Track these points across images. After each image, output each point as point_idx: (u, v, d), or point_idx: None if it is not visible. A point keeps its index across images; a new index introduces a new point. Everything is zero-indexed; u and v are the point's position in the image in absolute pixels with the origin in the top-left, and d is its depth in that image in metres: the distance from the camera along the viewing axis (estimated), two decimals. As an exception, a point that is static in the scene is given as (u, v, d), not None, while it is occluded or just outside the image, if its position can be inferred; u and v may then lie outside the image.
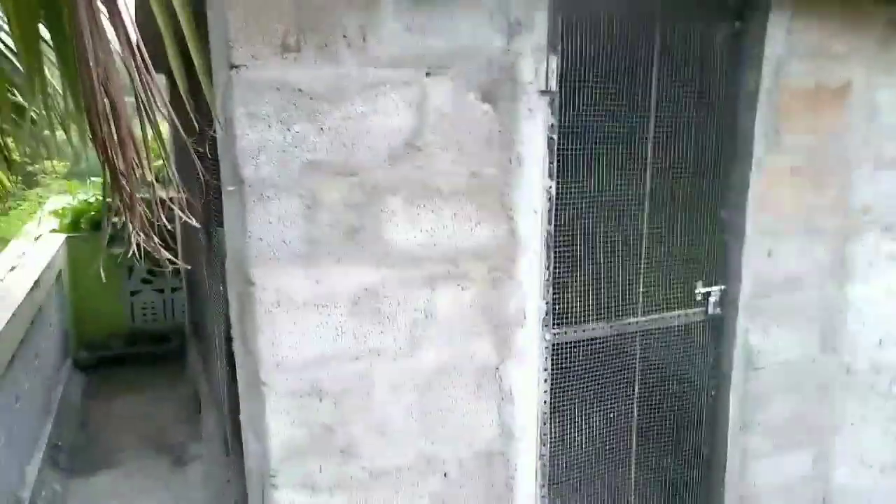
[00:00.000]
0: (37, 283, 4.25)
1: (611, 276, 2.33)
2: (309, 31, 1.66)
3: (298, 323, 1.79)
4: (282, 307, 1.76)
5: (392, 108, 1.79)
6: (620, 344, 2.41)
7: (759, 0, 2.30)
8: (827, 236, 2.68)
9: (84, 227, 6.13)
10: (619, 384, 2.45)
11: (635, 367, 2.46)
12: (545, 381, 2.23)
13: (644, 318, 2.42)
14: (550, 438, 2.30)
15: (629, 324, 2.39)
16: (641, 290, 2.41)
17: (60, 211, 6.56)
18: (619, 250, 2.35)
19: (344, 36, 1.70)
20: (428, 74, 1.82)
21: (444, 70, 1.83)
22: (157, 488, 3.86)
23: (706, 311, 2.52)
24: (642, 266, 2.39)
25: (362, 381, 1.91)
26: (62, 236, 5.85)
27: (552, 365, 2.25)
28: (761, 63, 2.33)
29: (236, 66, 1.61)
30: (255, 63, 1.63)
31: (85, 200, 6.58)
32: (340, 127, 1.74)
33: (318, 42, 1.67)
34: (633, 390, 2.48)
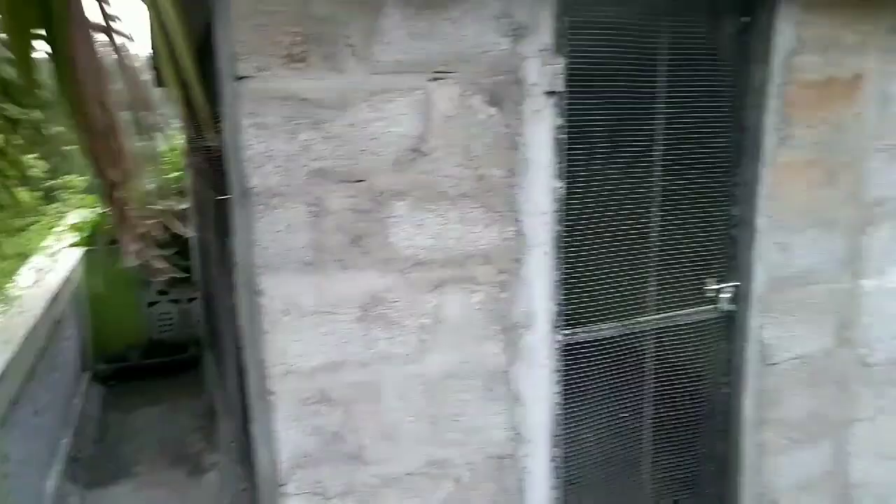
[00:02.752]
0: (55, 297, 4.31)
1: (622, 276, 2.32)
2: (314, 42, 1.67)
3: (306, 331, 1.80)
4: (289, 315, 1.78)
5: (397, 115, 1.79)
6: (632, 343, 2.40)
7: (768, -7, 2.28)
8: (841, 229, 2.65)
9: (101, 241, 6.21)
10: (632, 384, 2.44)
11: (648, 367, 2.45)
12: (556, 382, 2.23)
13: (656, 317, 2.41)
14: (563, 440, 2.30)
15: (641, 323, 2.38)
16: (653, 289, 2.39)
17: (78, 225, 6.64)
18: (629, 250, 2.33)
19: (349, 45, 1.70)
20: (433, 79, 1.82)
21: (450, 74, 1.83)
22: (174, 499, 3.89)
23: (719, 308, 2.51)
24: (653, 265, 2.38)
25: (371, 388, 1.92)
26: (80, 250, 5.92)
27: (563, 366, 2.24)
28: (770, 57, 2.30)
29: (243, 78, 1.62)
30: (261, 74, 1.64)
31: (102, 214, 6.65)
32: (346, 134, 1.75)
33: (324, 52, 1.68)
34: (647, 389, 2.47)
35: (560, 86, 2.00)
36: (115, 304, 5.84)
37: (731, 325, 2.56)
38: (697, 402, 2.59)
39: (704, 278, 2.48)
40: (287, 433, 1.85)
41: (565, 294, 2.20)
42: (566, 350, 2.24)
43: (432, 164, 1.86)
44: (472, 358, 2.05)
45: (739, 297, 2.53)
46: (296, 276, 1.77)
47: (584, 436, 2.37)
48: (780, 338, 2.60)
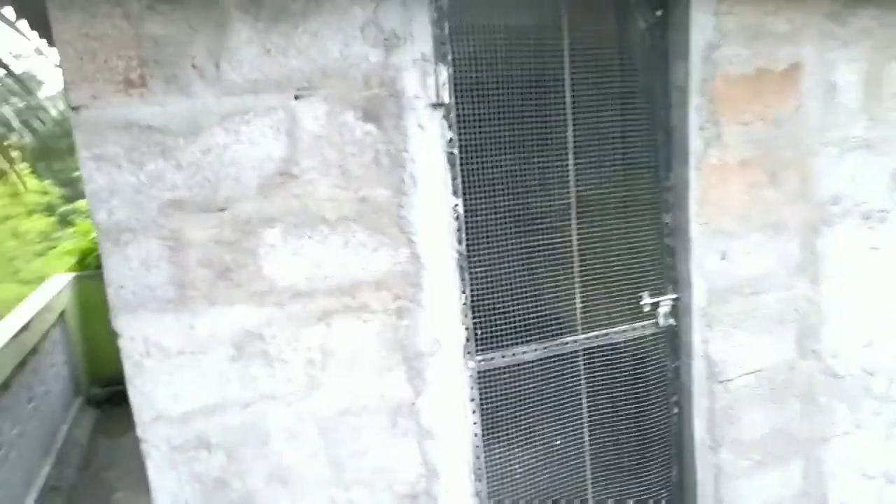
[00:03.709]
0: (26, 326, 4.26)
1: (540, 295, 2.15)
2: (153, 64, 1.55)
3: (174, 373, 1.67)
4: (152, 357, 1.64)
5: (258, 136, 1.66)
6: (561, 365, 2.21)
7: (680, -16, 2.12)
8: (791, 231, 2.44)
9: (92, 265, 6.22)
10: (565, 408, 2.26)
11: (582, 389, 2.27)
12: (473, 412, 2.06)
13: (585, 336, 2.23)
14: (487, 473, 2.12)
15: (568, 343, 2.20)
16: (578, 306, 2.22)
17: (71, 250, 6.71)
18: (547, 266, 2.16)
19: (193, 66, 1.58)
20: (296, 97, 1.69)
21: (315, 91, 1.70)
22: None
23: (657, 323, 2.32)
24: (577, 281, 2.20)
25: (256, 430, 1.77)
26: (69, 276, 5.92)
27: (480, 394, 2.07)
28: (688, 52, 2.14)
29: (76, 108, 1.51)
30: (96, 103, 1.52)
31: (92, 239, 6.69)
32: (201, 161, 1.62)
33: (165, 75, 1.56)
34: (583, 414, 2.28)
35: (447, 96, 1.86)
36: (108, 329, 5.79)
37: (673, 341, 2.36)
38: (644, 426, 2.38)
39: (639, 292, 2.29)
40: (161, 482, 1.71)
41: (477, 317, 2.04)
42: (483, 377, 2.07)
43: (304, 188, 1.73)
44: (371, 392, 1.89)
45: (680, 310, 2.34)
46: (157, 316, 1.64)
47: (513, 468, 2.18)
48: (730, 352, 2.39)
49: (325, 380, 1.83)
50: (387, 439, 1.93)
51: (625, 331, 2.28)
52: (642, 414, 2.36)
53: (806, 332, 2.54)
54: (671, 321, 2.33)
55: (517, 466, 2.17)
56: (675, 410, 2.41)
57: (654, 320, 2.31)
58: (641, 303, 2.28)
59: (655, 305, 2.30)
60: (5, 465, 3.59)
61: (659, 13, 2.16)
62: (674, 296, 2.31)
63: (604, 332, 2.25)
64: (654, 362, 2.36)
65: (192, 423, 1.71)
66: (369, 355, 1.87)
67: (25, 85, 3.38)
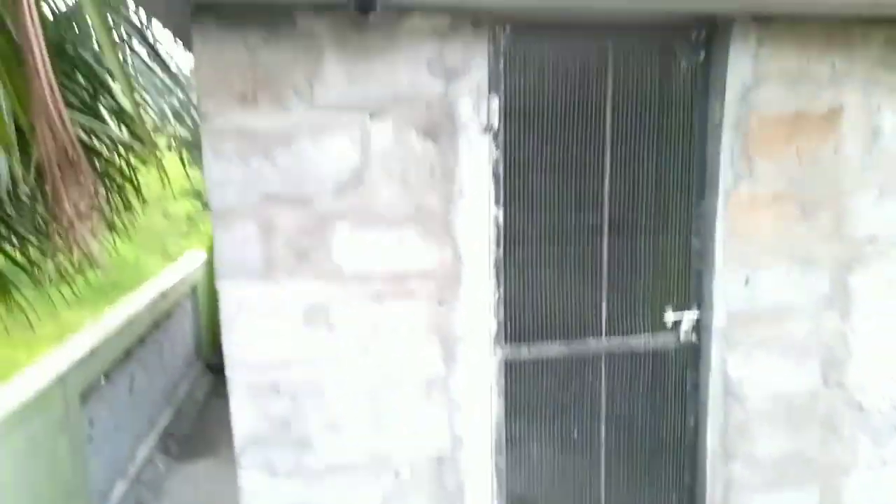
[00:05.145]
0: (163, 294, 4.97)
1: (568, 299, 2.41)
2: (262, 85, 1.98)
3: (257, 329, 2.09)
4: (242, 314, 2.08)
5: (337, 147, 2.06)
6: (584, 365, 2.47)
7: (723, 29, 2.32)
8: (822, 266, 2.56)
9: None
10: (585, 404, 2.51)
11: (602, 388, 2.51)
12: (498, 395, 2.36)
13: (607, 341, 2.47)
14: (507, 451, 2.41)
15: (591, 345, 2.45)
16: (604, 313, 2.46)
17: (207, 231, 7.50)
18: (576, 274, 2.43)
19: (293, 88, 2.00)
20: (371, 117, 2.07)
21: (386, 113, 2.08)
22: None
23: (679, 338, 2.52)
24: (604, 291, 2.45)
25: (316, 383, 2.17)
26: (203, 255, 6.67)
27: (507, 380, 2.37)
28: (724, 92, 2.34)
29: (204, 115, 1.97)
30: (219, 112, 1.97)
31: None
32: (292, 164, 2.04)
33: (271, 94, 1.99)
34: (601, 411, 2.52)
35: (496, 122, 2.18)
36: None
37: (693, 356, 2.55)
38: (659, 431, 2.58)
39: (664, 307, 2.50)
40: (241, 415, 2.14)
41: (509, 313, 2.34)
42: (510, 365, 2.37)
43: (371, 191, 2.10)
44: (411, 365, 2.24)
45: (701, 328, 2.53)
46: (249, 282, 2.07)
47: (531, 451, 2.46)
48: (749, 373, 2.54)
49: (375, 350, 2.20)
50: (422, 407, 2.27)
51: (647, 341, 2.50)
52: (659, 419, 2.57)
53: (832, 364, 2.64)
54: (693, 337, 2.52)
55: (535, 450, 2.45)
56: (692, 421, 2.59)
57: (675, 335, 2.51)
58: (665, 317, 2.49)
59: (678, 321, 2.50)
60: (134, 407, 4.26)
61: (702, 55, 2.37)
62: (696, 314, 2.51)
63: (626, 339, 2.48)
64: (673, 373, 2.56)
65: (267, 371, 2.13)
66: (411, 334, 2.22)
67: (180, 82, 4.00)
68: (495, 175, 2.21)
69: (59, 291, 3.80)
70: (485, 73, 2.13)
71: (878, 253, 2.60)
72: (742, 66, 2.32)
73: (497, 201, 2.23)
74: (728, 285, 2.46)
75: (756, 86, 2.34)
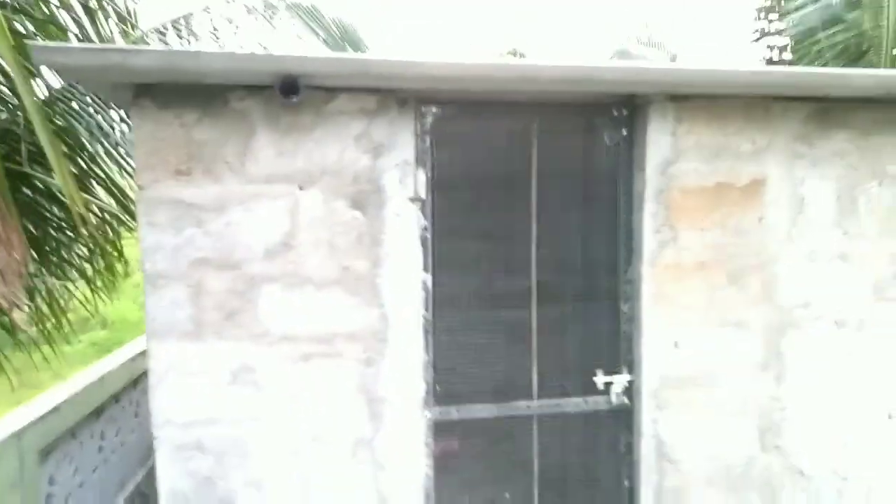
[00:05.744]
0: (144, 352, 5.02)
1: (498, 362, 2.48)
2: (197, 160, 2.13)
3: (184, 388, 2.17)
4: (171, 374, 2.16)
5: (267, 215, 2.18)
6: (515, 427, 2.51)
7: (642, 107, 2.46)
8: (754, 330, 2.61)
9: None
10: (518, 466, 2.53)
11: (534, 451, 2.53)
12: (427, 456, 2.40)
13: (538, 403, 2.51)
14: (436, 512, 2.43)
15: (521, 407, 2.50)
16: (535, 377, 2.52)
17: None
18: (507, 338, 2.50)
19: (225, 162, 2.14)
20: (300, 188, 2.21)
21: (315, 184, 2.21)
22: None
23: (610, 401, 2.56)
24: (534, 355, 2.51)
25: (240, 442, 2.23)
26: None
27: (435, 442, 2.41)
28: (644, 166, 2.46)
29: (141, 187, 2.11)
30: (154, 185, 2.11)
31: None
32: (223, 231, 2.16)
33: (204, 167, 2.13)
34: (533, 472, 2.54)
35: (423, 193, 2.31)
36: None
37: (626, 419, 2.58)
38: (594, 494, 2.59)
39: (594, 370, 2.56)
40: (166, 472, 2.19)
41: (438, 374, 2.41)
42: (439, 426, 2.41)
43: (300, 256, 2.22)
44: (337, 425, 2.29)
45: (633, 391, 2.57)
46: (177, 343, 2.16)
47: (462, 512, 2.47)
48: (683, 436, 2.57)
49: (300, 409, 2.26)
50: (348, 466, 2.31)
51: (578, 403, 2.54)
52: (593, 482, 2.58)
53: (769, 427, 2.66)
54: (624, 400, 2.56)
55: (466, 511, 2.47)
56: (626, 484, 2.60)
57: (607, 397, 2.55)
58: (595, 379, 2.54)
59: (610, 384, 2.55)
60: (106, 466, 4.29)
61: (624, 132, 2.51)
62: (628, 377, 2.55)
63: (557, 401, 2.52)
64: (606, 436, 2.58)
65: (192, 429, 2.19)
66: (338, 395, 2.28)
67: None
68: (423, 242, 2.32)
69: (54, 351, 3.91)
70: (412, 149, 2.26)
71: (812, 317, 2.65)
72: (661, 141, 2.44)
73: (426, 266, 2.33)
74: (657, 349, 2.51)
75: (676, 160, 2.45)
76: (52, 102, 3.48)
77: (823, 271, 2.65)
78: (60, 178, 2.07)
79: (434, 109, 2.28)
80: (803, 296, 2.64)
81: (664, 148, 2.44)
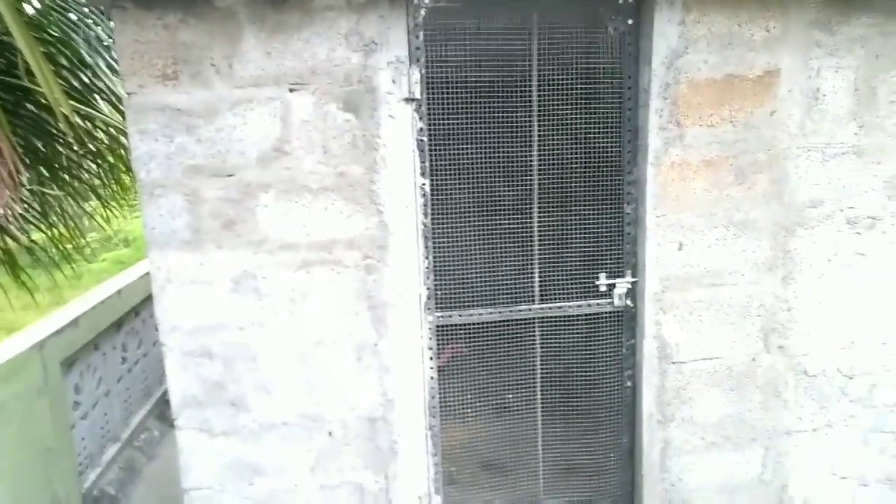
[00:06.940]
0: None
1: (498, 266, 2.47)
2: (183, 63, 2.06)
3: (187, 296, 2.21)
4: (172, 283, 2.19)
5: (259, 120, 2.13)
6: (517, 330, 2.53)
7: (649, -3, 2.32)
8: (761, 230, 2.56)
9: None
10: (520, 368, 2.58)
11: (536, 353, 2.57)
12: (430, 358, 2.44)
13: (540, 307, 2.53)
14: (441, 412, 2.50)
15: (523, 311, 2.51)
16: (536, 279, 2.52)
17: None
18: (507, 242, 2.48)
19: (212, 64, 2.07)
20: (290, 90, 2.14)
21: (305, 86, 2.14)
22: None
23: (612, 303, 2.56)
24: (536, 257, 2.50)
25: (247, 348, 2.28)
26: None
27: (438, 344, 2.45)
28: (650, 58, 2.34)
29: (129, 94, 2.06)
30: (142, 90, 2.06)
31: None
32: (215, 137, 2.12)
33: (191, 71, 2.07)
34: (536, 375, 2.59)
35: (418, 93, 2.23)
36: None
37: (628, 321, 2.59)
38: (596, 394, 2.64)
39: (597, 273, 2.55)
40: (176, 378, 2.26)
41: (439, 279, 2.41)
42: (441, 330, 2.45)
43: (294, 162, 2.18)
44: (340, 330, 2.33)
45: (636, 293, 2.56)
46: (177, 252, 2.17)
47: (466, 412, 2.55)
48: (686, 337, 2.58)
49: (304, 316, 2.29)
50: (353, 370, 2.36)
51: (581, 306, 2.55)
52: (595, 383, 2.62)
53: (773, 328, 2.66)
54: (628, 302, 2.56)
55: (469, 411, 2.54)
56: (629, 384, 2.64)
57: (609, 300, 2.56)
58: (598, 282, 2.53)
59: (612, 286, 2.54)
60: (131, 376, 4.48)
61: (630, 22, 2.37)
62: (631, 279, 2.54)
63: (559, 304, 2.53)
64: (609, 338, 2.60)
65: (198, 336, 2.24)
66: (340, 301, 2.31)
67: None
68: (420, 145, 2.26)
69: (74, 270, 3.98)
70: (404, 46, 2.17)
71: (823, 216, 2.59)
72: (669, 31, 2.31)
73: (423, 171, 2.29)
74: (661, 251, 2.48)
75: (684, 51, 2.33)
76: (45, 13, 3.38)
77: (836, 167, 2.56)
78: (41, 79, 2.02)
79: (427, 2, 2.17)
80: (814, 194, 2.57)
81: (672, 38, 2.32)
